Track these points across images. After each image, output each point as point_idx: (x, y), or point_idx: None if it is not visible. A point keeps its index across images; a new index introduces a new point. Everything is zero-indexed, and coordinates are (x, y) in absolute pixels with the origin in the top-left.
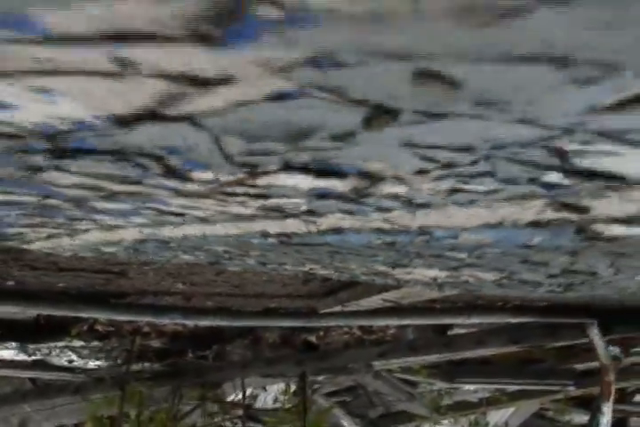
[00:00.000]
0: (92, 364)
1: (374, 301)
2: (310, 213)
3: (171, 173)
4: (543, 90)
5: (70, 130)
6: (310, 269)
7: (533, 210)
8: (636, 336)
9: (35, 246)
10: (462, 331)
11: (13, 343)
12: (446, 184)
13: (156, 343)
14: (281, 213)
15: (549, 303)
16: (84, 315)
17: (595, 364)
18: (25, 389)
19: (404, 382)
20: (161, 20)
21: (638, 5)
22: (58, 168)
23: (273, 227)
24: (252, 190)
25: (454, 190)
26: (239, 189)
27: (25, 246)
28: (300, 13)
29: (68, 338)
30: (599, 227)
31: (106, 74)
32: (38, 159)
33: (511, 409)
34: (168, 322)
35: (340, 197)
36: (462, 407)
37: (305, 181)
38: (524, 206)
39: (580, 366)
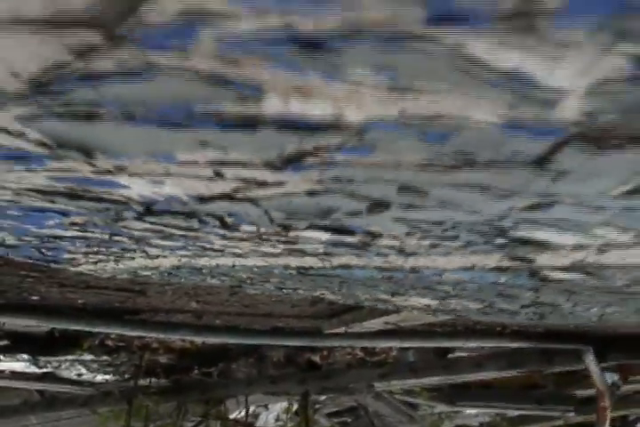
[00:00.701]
0: (101, 378)
1: (377, 323)
2: (326, 254)
3: (225, 226)
4: (481, 200)
5: (164, 201)
6: (321, 294)
7: (494, 259)
8: (634, 364)
9: (79, 269)
10: (462, 354)
11: (25, 356)
12: (427, 241)
13: (163, 359)
14: (302, 253)
15: (546, 330)
16: (99, 330)
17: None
18: (33, 400)
19: (405, 405)
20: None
21: None
22: (139, 219)
23: (294, 261)
24: (282, 238)
25: (434, 245)
26: (272, 237)
27: (70, 268)
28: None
29: (79, 352)
30: (546, 272)
31: (206, 178)
32: (129, 215)
33: None
34: (179, 338)
35: (349, 245)
36: None
37: (324, 235)
38: (486, 257)
39: (580, 393)
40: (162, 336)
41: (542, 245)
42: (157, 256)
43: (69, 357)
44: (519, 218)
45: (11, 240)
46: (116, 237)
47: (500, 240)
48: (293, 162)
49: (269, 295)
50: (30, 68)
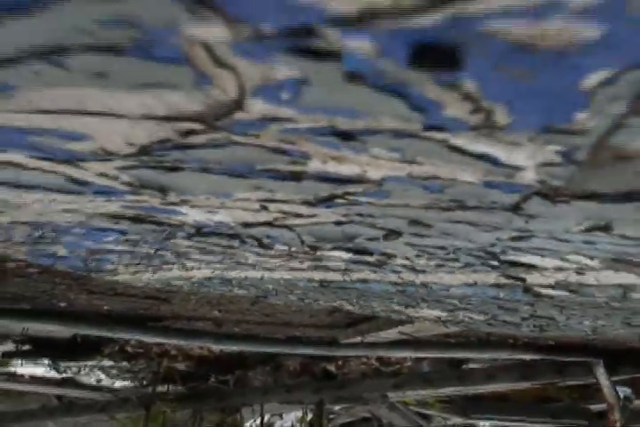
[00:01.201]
0: (119, 384)
1: (392, 333)
2: (346, 270)
3: (261, 245)
4: (473, 232)
5: (214, 225)
6: (340, 304)
7: (492, 277)
8: None
9: (116, 278)
10: (475, 366)
11: (46, 361)
12: (434, 262)
13: (181, 366)
14: (326, 268)
15: (557, 342)
16: (123, 336)
17: None
18: (52, 405)
19: (418, 416)
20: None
21: None
22: (188, 238)
23: (318, 276)
24: (309, 257)
25: (439, 265)
26: (301, 255)
27: (107, 277)
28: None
29: (99, 357)
30: (537, 289)
31: (253, 210)
32: (180, 235)
33: None
34: (200, 345)
35: (367, 263)
36: None
37: (346, 255)
38: (485, 275)
39: (595, 407)
40: (182, 343)
41: (529, 267)
42: (192, 268)
43: (89, 362)
44: (506, 246)
45: (62, 253)
46: (161, 252)
47: (493, 262)
48: (326, 201)
49: (289, 305)
50: (142, 141)
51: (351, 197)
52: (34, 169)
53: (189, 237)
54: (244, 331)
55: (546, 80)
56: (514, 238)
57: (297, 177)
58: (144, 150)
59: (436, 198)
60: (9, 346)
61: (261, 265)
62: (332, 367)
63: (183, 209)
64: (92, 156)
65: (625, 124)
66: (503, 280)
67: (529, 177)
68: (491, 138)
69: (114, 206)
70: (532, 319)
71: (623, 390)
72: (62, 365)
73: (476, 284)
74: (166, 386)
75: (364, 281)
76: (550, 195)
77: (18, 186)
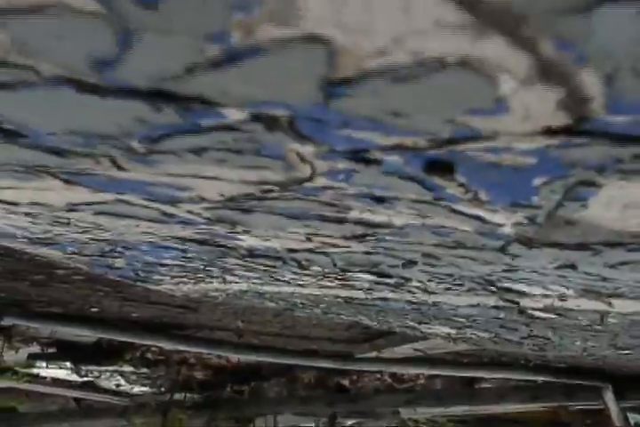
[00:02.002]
0: (138, 389)
1: (406, 349)
2: (369, 289)
3: (300, 266)
4: (473, 265)
5: (264, 249)
6: (360, 319)
7: (492, 300)
8: None
9: (159, 288)
10: (487, 385)
11: (68, 364)
12: (443, 285)
13: (199, 375)
14: (351, 287)
15: (568, 365)
16: (148, 342)
17: None
18: (70, 408)
19: None
20: None
21: None
22: (239, 259)
23: (343, 293)
24: (339, 277)
25: (447, 288)
26: (332, 276)
27: (151, 287)
28: None
29: (121, 362)
30: (530, 311)
31: (299, 240)
32: (233, 255)
33: None
34: (221, 354)
35: (387, 284)
36: None
37: (370, 277)
38: (486, 298)
39: None
40: (204, 351)
41: (521, 293)
42: (231, 282)
43: (110, 367)
44: (500, 276)
45: (120, 264)
46: (209, 268)
47: (491, 288)
48: (359, 238)
49: (310, 318)
50: (231, 193)
51: (379, 236)
52: (137, 204)
53: (241, 257)
54: (263, 342)
55: (508, 178)
56: (505, 271)
57: (340, 221)
58: (230, 199)
59: (442, 240)
60: (35, 348)
61: (295, 282)
62: (345, 382)
63: (243, 237)
64: (188, 200)
65: (563, 205)
66: (501, 303)
67: (508, 231)
68: (478, 206)
69: (186, 232)
70: (530, 339)
71: (634, 417)
72: (84, 368)
73: (479, 305)
74: (183, 394)
75: (384, 299)
76: (526, 242)
77: (117, 215)
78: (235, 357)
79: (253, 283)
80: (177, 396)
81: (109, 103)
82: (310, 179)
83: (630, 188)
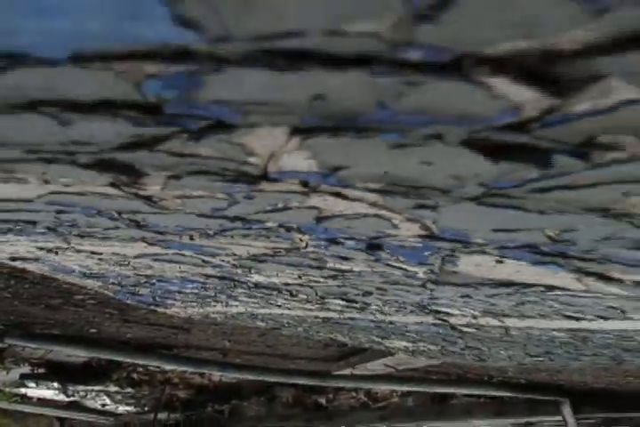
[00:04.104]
0: (122, 409)
1: (378, 365)
2: (341, 311)
3: (291, 295)
4: (408, 294)
5: (267, 283)
6: (335, 335)
7: (429, 318)
8: (619, 418)
9: (168, 311)
10: (456, 402)
11: (56, 384)
12: (393, 308)
13: (182, 394)
14: (328, 309)
15: (528, 381)
16: (139, 362)
17: None
18: None
19: None
20: None
21: None
22: (244, 289)
23: (322, 314)
24: (318, 302)
25: (397, 310)
26: (313, 301)
27: (160, 309)
28: None
29: (108, 382)
30: (459, 327)
31: (293, 279)
32: (242, 286)
33: None
34: (206, 372)
35: (354, 307)
36: None
37: (341, 302)
38: (425, 317)
39: None
40: (191, 370)
41: (447, 313)
42: (232, 305)
43: (97, 387)
44: (428, 302)
45: (144, 292)
46: (219, 294)
47: (426, 310)
48: (333, 277)
49: (292, 337)
50: (255, 252)
51: (346, 276)
52: (188, 256)
53: (247, 288)
54: (246, 362)
55: (412, 252)
56: (430, 298)
57: (320, 268)
58: (253, 255)
59: (385, 279)
60: (25, 369)
61: (285, 306)
62: (322, 400)
63: (253, 275)
64: (224, 255)
65: (445, 264)
66: (437, 321)
67: (421, 275)
68: (401, 263)
69: (212, 271)
70: (468, 349)
71: None
72: (71, 388)
73: (422, 322)
74: (166, 413)
75: (353, 319)
76: (434, 282)
77: (170, 261)
78: (218, 375)
79: (250, 306)
80: (160, 415)
81: None
82: (305, 247)
83: None
